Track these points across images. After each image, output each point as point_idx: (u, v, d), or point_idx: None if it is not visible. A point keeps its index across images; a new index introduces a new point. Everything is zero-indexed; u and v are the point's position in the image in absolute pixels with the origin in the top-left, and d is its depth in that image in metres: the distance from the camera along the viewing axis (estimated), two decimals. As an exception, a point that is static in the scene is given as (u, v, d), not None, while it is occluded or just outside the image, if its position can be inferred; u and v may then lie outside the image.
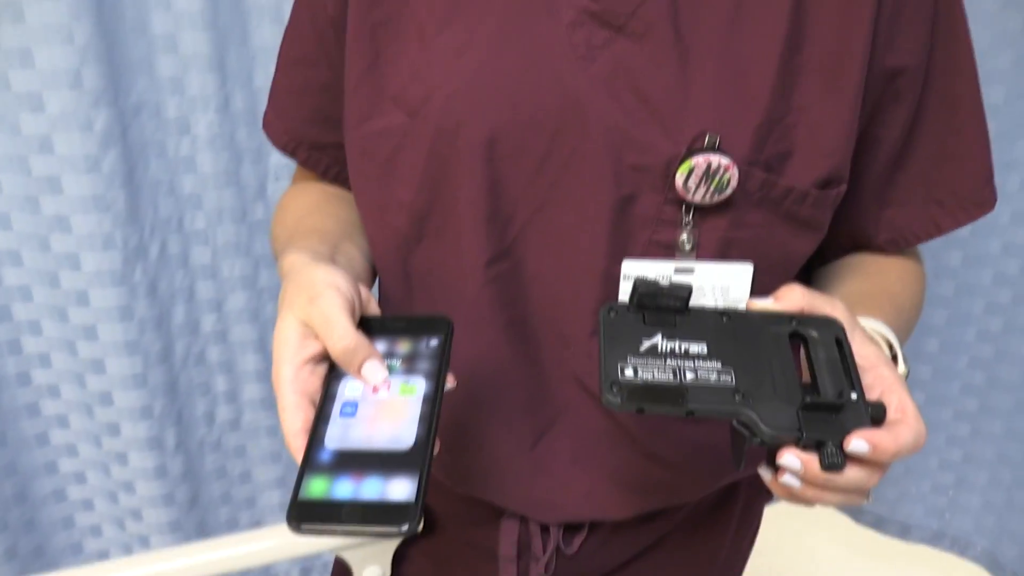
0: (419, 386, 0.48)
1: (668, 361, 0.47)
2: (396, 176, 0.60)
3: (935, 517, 1.47)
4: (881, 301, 0.61)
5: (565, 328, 0.60)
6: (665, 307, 0.49)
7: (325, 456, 0.45)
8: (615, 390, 0.45)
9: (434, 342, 0.50)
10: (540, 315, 0.60)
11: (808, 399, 0.45)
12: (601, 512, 0.68)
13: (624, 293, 0.57)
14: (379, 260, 0.65)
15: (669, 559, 0.76)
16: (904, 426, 0.45)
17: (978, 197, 0.63)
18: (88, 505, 1.25)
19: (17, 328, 1.09)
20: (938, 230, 0.64)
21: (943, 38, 0.59)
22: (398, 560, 0.78)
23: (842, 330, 0.49)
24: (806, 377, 0.48)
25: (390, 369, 0.49)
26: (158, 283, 1.11)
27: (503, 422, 0.64)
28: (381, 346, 0.50)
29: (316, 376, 0.48)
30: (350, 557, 0.76)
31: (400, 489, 0.43)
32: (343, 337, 0.46)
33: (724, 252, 0.57)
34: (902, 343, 0.62)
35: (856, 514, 1.52)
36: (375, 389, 0.47)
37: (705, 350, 0.48)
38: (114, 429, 1.15)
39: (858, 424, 0.45)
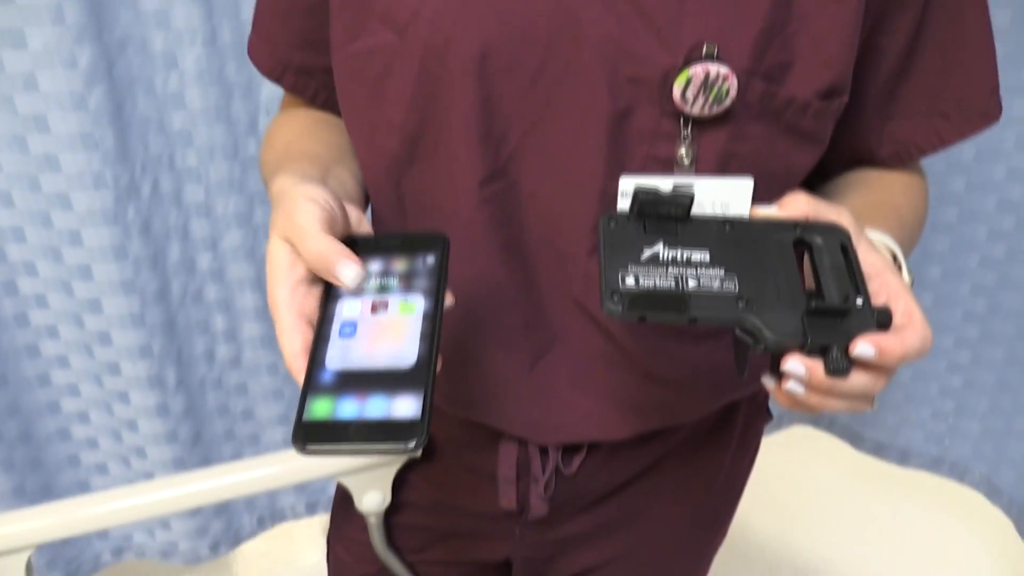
0: (418, 304, 0.47)
1: (670, 269, 0.46)
2: (386, 97, 0.58)
3: (934, 443, 1.48)
4: (885, 213, 0.60)
5: (562, 248, 0.59)
6: (666, 215, 0.48)
7: (327, 377, 0.44)
8: (616, 299, 0.45)
9: (431, 259, 0.49)
10: (537, 235, 0.60)
11: (813, 304, 0.44)
12: (600, 433, 0.68)
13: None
14: (371, 185, 0.64)
15: (668, 480, 0.77)
16: (910, 330, 0.44)
17: (983, 108, 0.62)
18: (93, 444, 1.26)
19: (12, 269, 1.09)
20: (942, 143, 0.63)
21: None
22: (398, 485, 0.79)
23: (847, 237, 0.48)
24: (811, 285, 0.48)
25: (387, 288, 0.48)
26: (151, 222, 1.09)
27: (501, 345, 0.64)
28: (376, 265, 0.49)
29: (312, 297, 0.47)
30: (350, 483, 0.77)
31: (405, 406, 0.42)
32: (314, 243, 0.45)
33: (724, 166, 0.56)
34: (906, 256, 0.61)
35: (856, 440, 1.53)
36: (374, 309, 0.47)
37: (708, 258, 0.47)
38: (114, 368, 1.15)
39: (864, 329, 0.44)
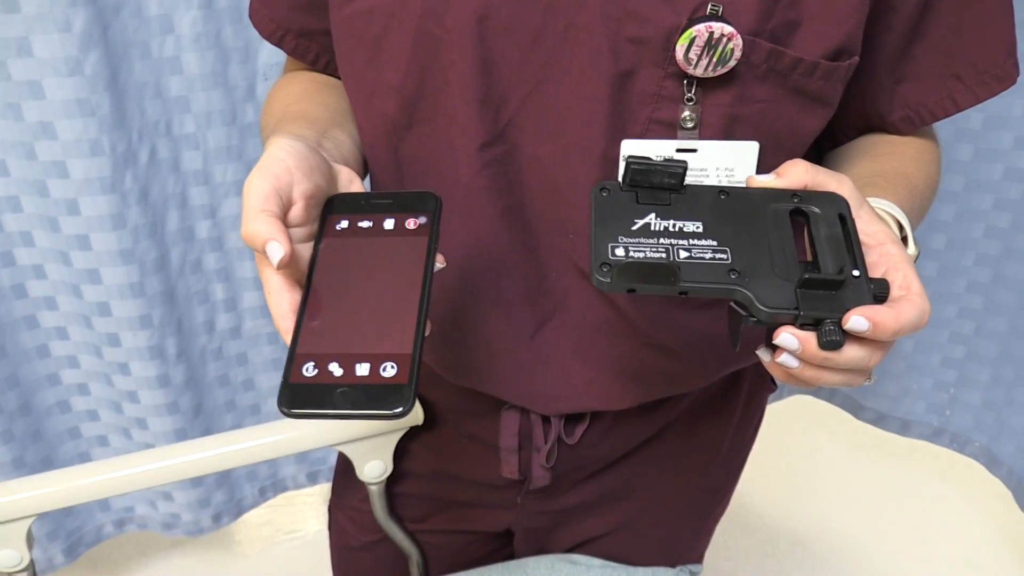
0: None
1: (661, 240, 0.45)
2: (384, 58, 0.57)
3: (935, 414, 1.48)
4: (894, 182, 0.59)
5: (564, 214, 0.58)
6: (659, 185, 0.47)
7: (314, 339, 0.43)
8: (605, 270, 0.44)
9: (422, 219, 0.48)
10: (538, 201, 0.59)
11: (807, 275, 0.43)
12: (602, 402, 0.67)
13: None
14: (369, 149, 0.63)
15: (671, 449, 0.77)
16: (907, 303, 0.43)
17: (999, 71, 0.60)
18: (93, 415, 1.26)
19: (9, 239, 1.08)
20: (956, 106, 0.61)
21: None
22: (400, 455, 0.79)
23: (846, 206, 0.47)
24: (809, 256, 0.47)
25: (383, 254, 0.47)
26: (149, 190, 1.08)
27: (502, 312, 0.63)
28: (366, 223, 0.48)
29: (299, 259, 0.47)
30: (352, 452, 0.77)
31: (392, 371, 0.42)
32: (248, 222, 0.44)
33: (729, 130, 0.54)
34: (915, 225, 0.60)
35: (857, 410, 1.53)
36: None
37: (701, 228, 0.46)
38: (114, 339, 1.15)
39: (859, 301, 0.43)
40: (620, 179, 0.48)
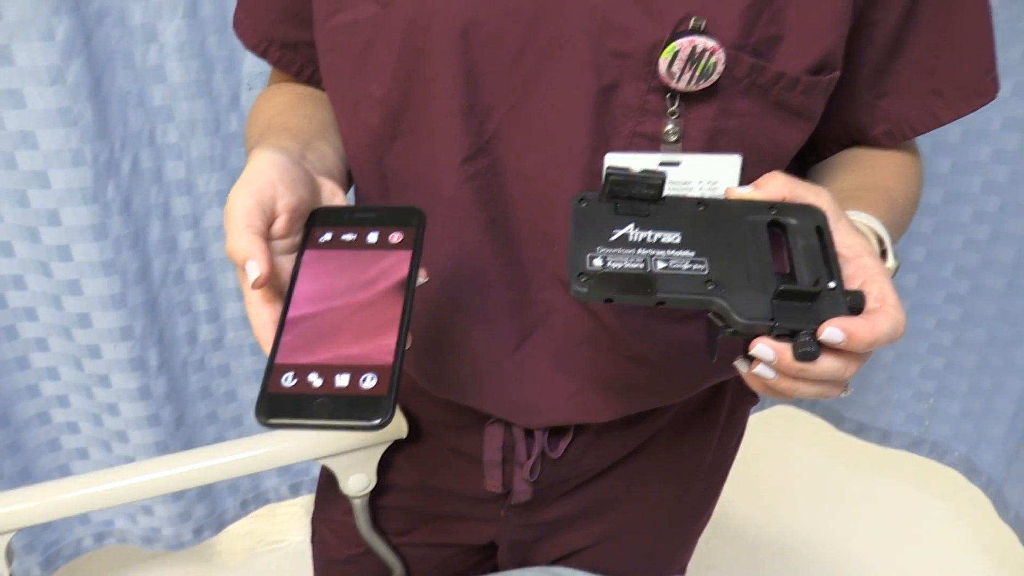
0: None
1: (639, 251, 0.45)
2: (368, 71, 0.57)
3: (915, 424, 1.49)
4: (875, 195, 0.59)
5: (547, 227, 0.58)
6: (638, 196, 0.47)
7: (294, 349, 0.43)
8: (582, 280, 0.44)
9: (406, 233, 0.48)
10: (522, 214, 0.59)
11: (782, 287, 0.44)
12: (585, 415, 0.67)
13: None
14: (354, 161, 0.63)
15: (654, 462, 0.77)
16: (882, 315, 0.43)
17: (978, 86, 0.61)
18: (73, 428, 1.25)
19: (-12, 249, 1.07)
20: (936, 121, 0.62)
21: None
22: (384, 468, 0.78)
23: (824, 218, 0.47)
24: (787, 267, 0.47)
25: (366, 266, 0.47)
26: (132, 200, 1.08)
27: (485, 325, 0.63)
28: (349, 236, 0.48)
29: (281, 270, 0.47)
30: (335, 466, 0.76)
31: (372, 382, 0.42)
32: (232, 238, 0.44)
33: (711, 143, 0.55)
34: (895, 238, 0.61)
35: (837, 421, 1.54)
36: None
37: (678, 239, 0.46)
38: (95, 351, 1.14)
39: (834, 313, 0.43)
40: (599, 191, 0.48)
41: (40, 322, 1.14)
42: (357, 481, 0.77)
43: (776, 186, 0.48)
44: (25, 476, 1.23)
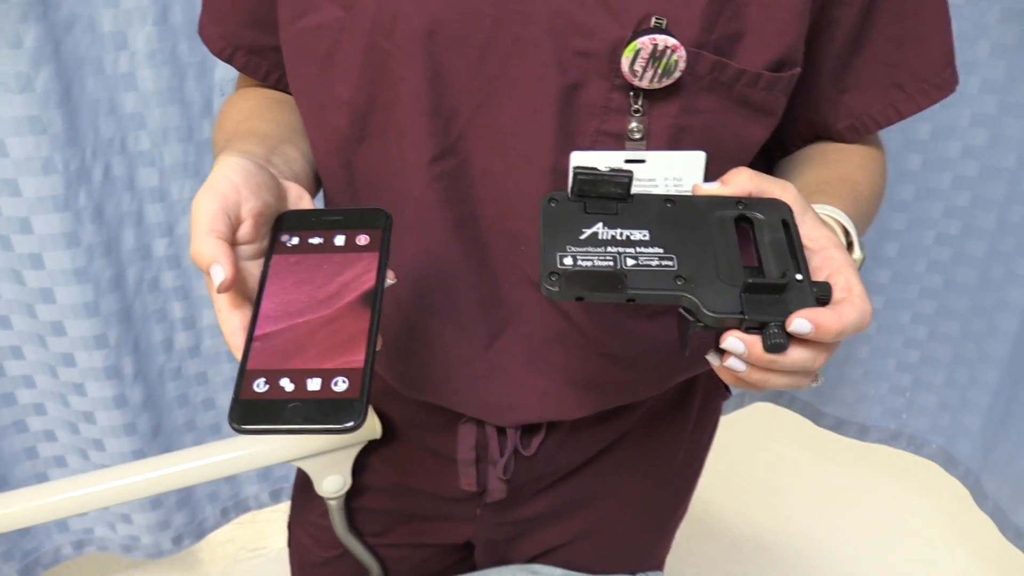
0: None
1: (609, 249, 0.46)
2: (334, 74, 0.57)
3: (892, 418, 1.50)
4: (840, 189, 0.60)
5: (515, 226, 0.59)
6: (606, 195, 0.48)
7: (265, 355, 0.43)
8: (553, 279, 0.44)
9: (373, 235, 0.48)
10: (489, 213, 0.59)
11: (750, 280, 0.44)
12: (557, 413, 0.68)
13: None
14: (322, 165, 0.63)
15: (628, 458, 0.77)
16: (848, 305, 0.44)
17: (938, 79, 0.62)
18: (50, 436, 1.24)
19: (-41, 258, 1.06)
20: (898, 115, 0.63)
21: None
22: (358, 469, 0.78)
23: (789, 212, 0.48)
24: (755, 261, 0.48)
25: (334, 270, 0.47)
26: (104, 208, 1.07)
27: (456, 325, 0.63)
28: (316, 239, 0.48)
29: (249, 275, 0.47)
30: (310, 467, 0.76)
31: (344, 386, 0.42)
32: (196, 243, 0.44)
33: (676, 140, 0.55)
34: (862, 230, 0.61)
35: (816, 417, 1.56)
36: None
37: (647, 236, 0.47)
38: (69, 359, 1.13)
39: (802, 304, 0.44)
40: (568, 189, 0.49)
41: (14, 330, 1.13)
42: (332, 482, 0.77)
43: (742, 181, 0.48)
44: (2, 484, 1.22)
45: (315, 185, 0.64)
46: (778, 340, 0.43)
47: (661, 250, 0.46)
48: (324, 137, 0.61)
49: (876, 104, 0.63)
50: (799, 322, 0.43)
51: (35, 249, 1.04)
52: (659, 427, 0.77)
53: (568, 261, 0.45)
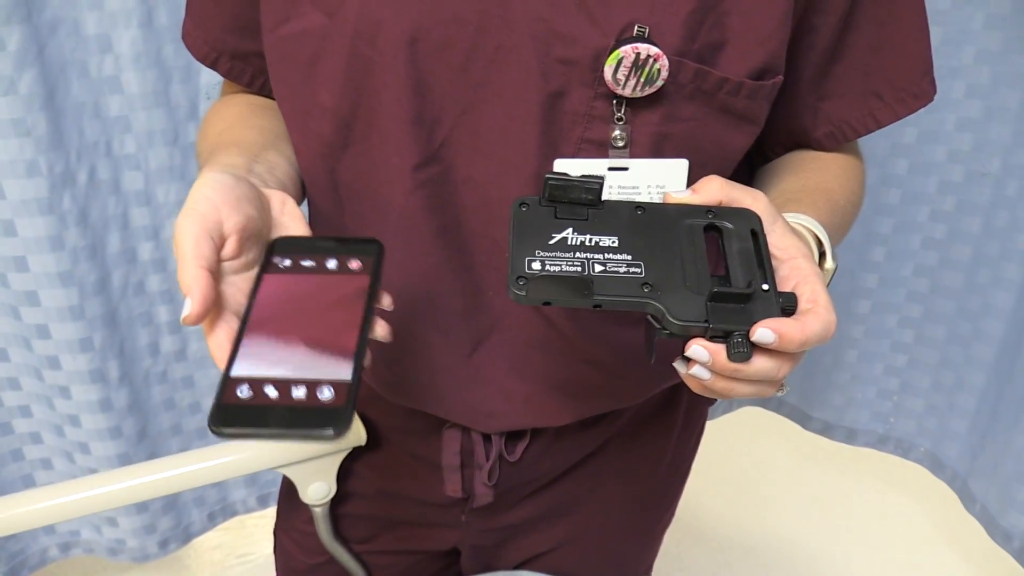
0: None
1: (577, 254, 0.46)
2: (317, 80, 0.57)
3: (880, 422, 1.51)
4: (815, 197, 0.60)
5: (498, 233, 0.59)
6: (577, 200, 0.48)
7: (251, 361, 0.43)
8: (521, 283, 0.45)
9: (365, 261, 0.49)
10: (473, 221, 0.59)
11: (716, 289, 0.44)
12: (541, 419, 0.68)
13: None
14: (306, 172, 0.63)
15: (613, 463, 0.77)
16: (812, 316, 0.44)
17: (916, 88, 0.62)
18: (36, 438, 1.23)
19: (-57, 262, 1.05)
20: (876, 123, 0.63)
21: None
22: (343, 475, 0.78)
23: (759, 221, 0.48)
24: (723, 270, 0.48)
25: (324, 290, 0.47)
26: (89, 211, 1.07)
27: (440, 331, 0.63)
28: (308, 262, 0.48)
29: (237, 289, 0.47)
30: (294, 474, 0.76)
31: (329, 394, 0.42)
32: (183, 271, 0.44)
33: (659, 148, 0.55)
34: (838, 239, 0.62)
35: (804, 421, 1.56)
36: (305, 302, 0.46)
37: (616, 243, 0.47)
38: (54, 362, 1.12)
39: (767, 314, 0.44)
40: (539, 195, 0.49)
41: (-1, 333, 1.12)
42: (317, 489, 0.76)
43: (713, 190, 0.48)
44: (-12, 488, 1.22)
45: (301, 190, 0.64)
46: (742, 349, 0.44)
47: (629, 257, 0.46)
48: (308, 144, 0.61)
49: (854, 112, 0.63)
50: (763, 332, 0.43)
51: (19, 252, 1.04)
52: (644, 433, 0.77)
53: (536, 266, 0.45)
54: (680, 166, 0.56)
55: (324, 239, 0.50)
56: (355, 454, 0.77)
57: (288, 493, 0.83)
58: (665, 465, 0.80)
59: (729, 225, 0.48)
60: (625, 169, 0.56)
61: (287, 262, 0.48)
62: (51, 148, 0.99)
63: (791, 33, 0.56)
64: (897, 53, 0.61)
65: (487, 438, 0.71)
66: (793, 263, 0.47)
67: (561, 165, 0.55)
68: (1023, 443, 1.27)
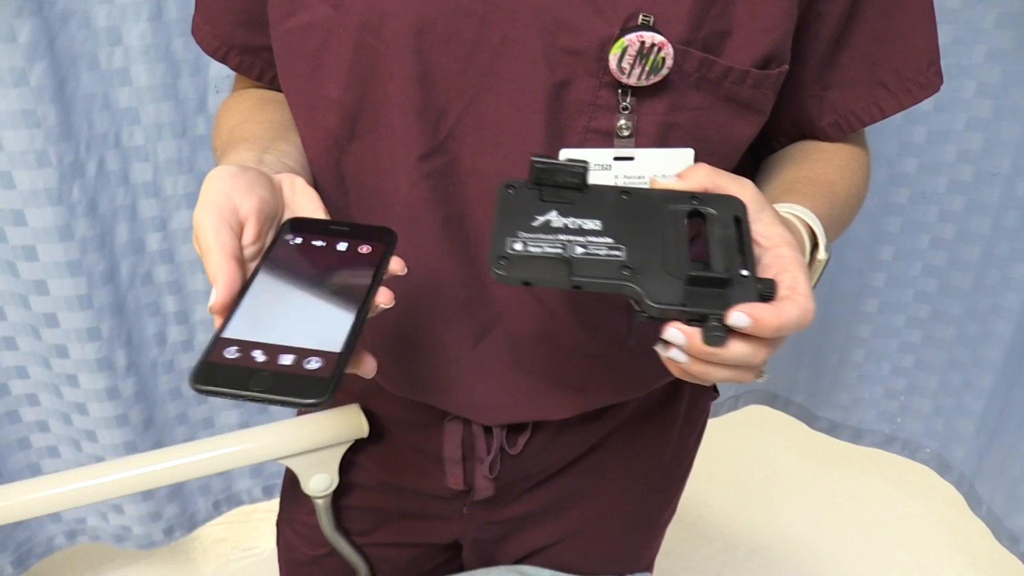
0: (352, 283, 0.47)
1: (560, 236, 0.46)
2: (324, 72, 0.57)
3: (887, 422, 1.50)
4: (814, 188, 0.60)
5: (503, 224, 0.58)
6: (563, 184, 0.49)
7: (244, 326, 0.43)
8: (502, 263, 0.45)
9: (376, 247, 0.49)
10: (478, 212, 0.59)
11: (693, 273, 0.45)
12: (542, 412, 0.68)
13: None
14: (312, 163, 0.63)
15: (615, 457, 0.77)
16: (789, 302, 0.44)
17: (922, 78, 0.62)
18: (43, 426, 1.24)
19: (-47, 251, 1.06)
20: (881, 113, 0.63)
21: None
22: (345, 467, 0.78)
23: (743, 209, 0.48)
24: (704, 256, 0.48)
25: (330, 268, 0.48)
26: (98, 201, 1.07)
27: (443, 323, 0.63)
28: (319, 242, 0.49)
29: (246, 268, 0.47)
30: (296, 466, 0.76)
31: (316, 363, 0.42)
32: (210, 261, 0.44)
33: (664, 138, 0.55)
34: (837, 232, 0.61)
35: (810, 420, 1.56)
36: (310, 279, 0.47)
37: (599, 226, 0.47)
38: (62, 350, 1.13)
39: (744, 299, 0.44)
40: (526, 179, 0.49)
41: (8, 321, 1.13)
42: (319, 481, 0.77)
43: (699, 177, 0.49)
44: (-5, 476, 1.23)
45: (310, 175, 0.64)
46: (717, 333, 0.44)
47: (611, 240, 0.47)
48: (314, 136, 0.61)
49: (859, 101, 0.63)
50: (737, 315, 0.43)
51: (29, 241, 1.05)
52: (646, 427, 0.77)
53: (518, 246, 0.46)
54: (686, 155, 0.56)
55: (338, 223, 0.51)
56: (357, 446, 0.78)
57: (291, 485, 0.83)
58: (667, 459, 0.80)
59: (712, 211, 0.48)
60: (631, 159, 0.56)
61: (298, 240, 0.49)
62: (61, 139, 1.00)
63: (796, 22, 0.55)
64: (903, 43, 0.61)
65: (489, 431, 0.71)
66: (776, 251, 0.47)
67: (567, 155, 0.55)
68: (1030, 445, 1.27)
